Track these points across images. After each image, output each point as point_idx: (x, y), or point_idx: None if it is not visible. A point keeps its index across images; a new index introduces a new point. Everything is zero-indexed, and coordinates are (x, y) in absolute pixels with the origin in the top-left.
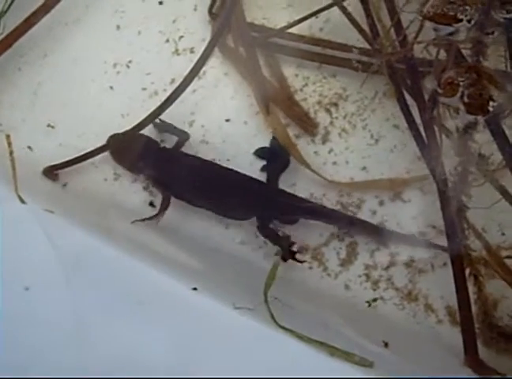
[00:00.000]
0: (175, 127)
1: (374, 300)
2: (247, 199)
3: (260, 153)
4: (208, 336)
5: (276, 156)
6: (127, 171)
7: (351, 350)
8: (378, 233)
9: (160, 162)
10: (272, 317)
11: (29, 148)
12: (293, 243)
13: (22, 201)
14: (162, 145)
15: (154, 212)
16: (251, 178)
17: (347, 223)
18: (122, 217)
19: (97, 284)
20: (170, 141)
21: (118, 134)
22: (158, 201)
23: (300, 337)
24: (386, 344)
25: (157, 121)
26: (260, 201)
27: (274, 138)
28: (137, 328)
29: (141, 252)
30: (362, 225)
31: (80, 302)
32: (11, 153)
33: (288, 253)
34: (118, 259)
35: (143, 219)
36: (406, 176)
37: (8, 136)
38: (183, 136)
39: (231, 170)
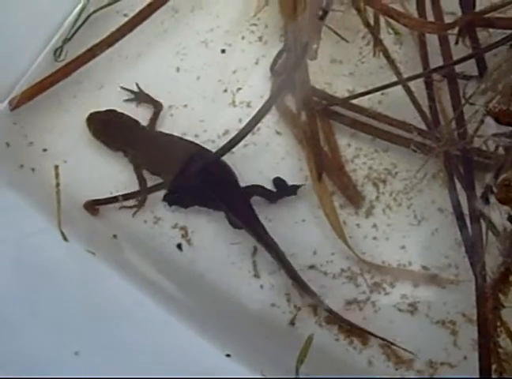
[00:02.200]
0: (152, 98)
1: None
2: (210, 185)
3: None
4: None
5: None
6: (106, 147)
7: None
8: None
9: (137, 140)
10: None
11: (74, 178)
12: None
13: (65, 239)
14: (141, 124)
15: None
16: (223, 169)
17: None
18: (158, 263)
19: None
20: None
21: (98, 111)
22: (187, 247)
23: None
24: None
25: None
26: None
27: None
28: None
29: (175, 307)
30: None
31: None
32: (57, 185)
33: None
34: (155, 316)
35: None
36: (443, 265)
37: (56, 167)
38: (158, 107)
39: (209, 152)
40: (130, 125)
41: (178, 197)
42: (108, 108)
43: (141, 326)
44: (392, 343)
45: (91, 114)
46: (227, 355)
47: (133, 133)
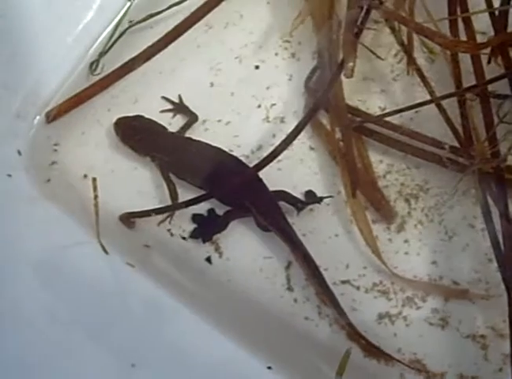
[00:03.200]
0: (190, 110)
1: None
2: (239, 188)
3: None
4: None
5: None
6: (133, 152)
7: None
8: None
9: (165, 144)
10: None
11: (109, 191)
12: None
13: (105, 251)
14: (170, 130)
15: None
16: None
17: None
18: (193, 275)
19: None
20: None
21: (126, 117)
22: (220, 261)
23: None
24: None
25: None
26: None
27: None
28: None
29: (214, 320)
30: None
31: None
32: (96, 197)
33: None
34: (195, 327)
35: (165, 218)
36: (474, 280)
37: (94, 180)
38: (192, 119)
39: (236, 159)
40: (158, 130)
41: (206, 227)
42: (136, 114)
43: (185, 338)
44: (408, 366)
45: (119, 119)
46: (269, 368)
47: (160, 137)
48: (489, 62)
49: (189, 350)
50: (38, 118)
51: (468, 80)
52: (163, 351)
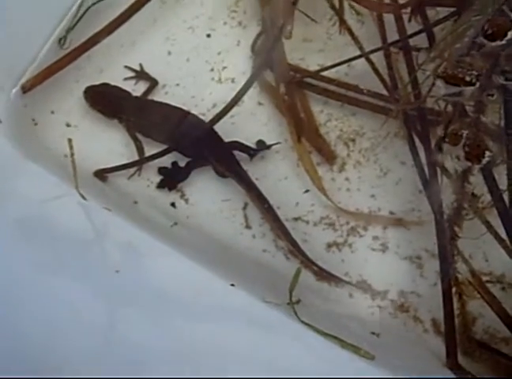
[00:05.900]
0: (150, 76)
1: None
2: (198, 140)
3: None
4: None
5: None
6: (103, 116)
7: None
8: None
9: (130, 107)
10: (295, 313)
11: (82, 152)
12: None
13: (83, 198)
14: (134, 94)
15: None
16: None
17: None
18: (164, 220)
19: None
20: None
21: (94, 85)
22: (185, 205)
23: (317, 331)
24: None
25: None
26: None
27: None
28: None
29: (184, 251)
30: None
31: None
32: (72, 155)
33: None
34: (164, 254)
35: (135, 172)
36: (407, 209)
37: (70, 140)
38: (153, 84)
39: (194, 116)
40: (123, 95)
41: (171, 177)
42: (103, 82)
43: (159, 268)
44: (355, 286)
45: (88, 88)
46: (232, 285)
47: (125, 101)
48: (410, 20)
49: (166, 278)
50: (15, 89)
51: (394, 37)
52: (144, 281)
